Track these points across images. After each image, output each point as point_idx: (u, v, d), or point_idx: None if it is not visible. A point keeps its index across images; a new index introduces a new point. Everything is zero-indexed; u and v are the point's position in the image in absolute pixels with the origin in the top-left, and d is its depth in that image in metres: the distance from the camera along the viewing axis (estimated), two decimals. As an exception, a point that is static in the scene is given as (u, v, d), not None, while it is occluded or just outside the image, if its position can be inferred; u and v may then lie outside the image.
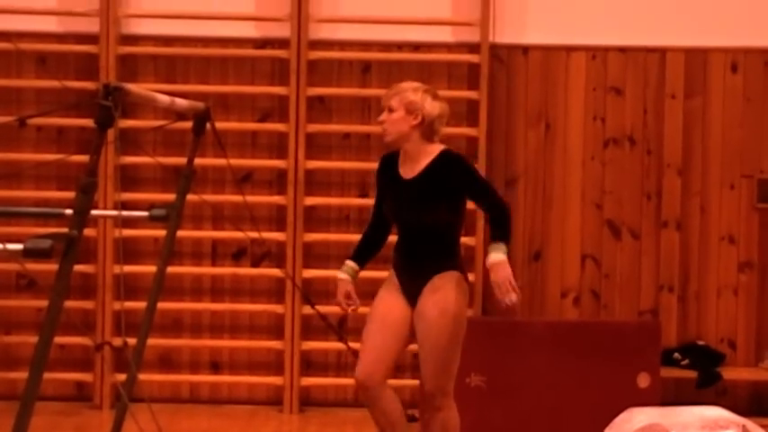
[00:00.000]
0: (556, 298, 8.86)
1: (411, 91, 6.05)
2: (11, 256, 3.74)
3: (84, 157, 7.97)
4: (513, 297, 5.85)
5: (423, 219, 5.98)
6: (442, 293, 5.96)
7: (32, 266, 5.18)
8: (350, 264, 6.38)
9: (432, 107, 6.04)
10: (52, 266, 3.93)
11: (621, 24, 8.77)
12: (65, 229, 3.92)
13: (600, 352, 8.13)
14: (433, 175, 6.01)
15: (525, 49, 8.82)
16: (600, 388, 8.04)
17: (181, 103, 5.19)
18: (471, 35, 8.72)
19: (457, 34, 8.81)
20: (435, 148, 6.09)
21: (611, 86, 8.82)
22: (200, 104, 5.72)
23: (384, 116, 6.10)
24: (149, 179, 8.67)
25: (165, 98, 4.86)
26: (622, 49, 8.80)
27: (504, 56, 8.80)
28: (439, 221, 5.99)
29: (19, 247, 3.80)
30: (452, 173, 5.99)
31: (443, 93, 8.62)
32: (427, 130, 6.06)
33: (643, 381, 8.12)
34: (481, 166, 8.63)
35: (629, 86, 8.82)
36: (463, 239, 8.62)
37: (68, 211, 6.45)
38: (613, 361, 8.10)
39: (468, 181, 6.02)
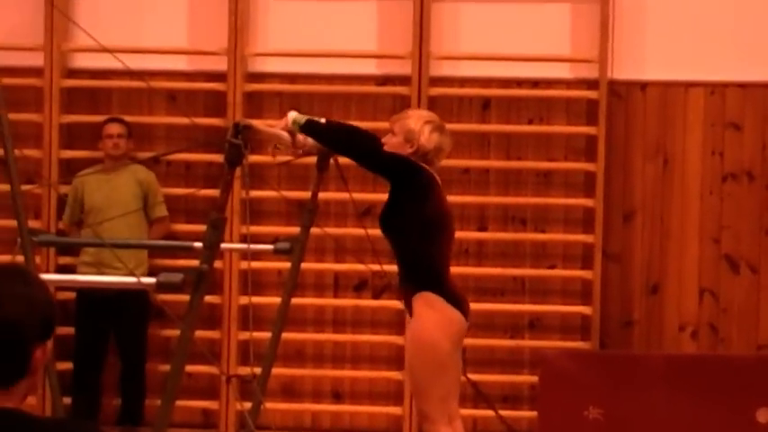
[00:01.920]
0: (674, 331, 8.78)
1: (414, 119, 5.87)
2: (145, 288, 3.83)
3: (211, 191, 8.13)
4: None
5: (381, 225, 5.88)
6: (415, 320, 5.71)
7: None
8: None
9: (428, 140, 5.80)
10: (182, 296, 4.00)
11: (740, 60, 8.70)
12: (192, 260, 4.00)
13: (718, 386, 8.04)
14: None
15: (643, 85, 8.77)
16: (718, 423, 7.96)
17: (306, 140, 5.26)
18: (590, 71, 8.71)
19: (575, 71, 8.80)
20: None
21: (729, 122, 8.74)
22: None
23: (386, 138, 5.90)
24: (274, 212, 8.76)
25: (285, 135, 4.93)
26: (741, 85, 8.72)
27: (622, 92, 8.77)
28: (388, 226, 5.82)
29: (152, 280, 3.88)
30: None
31: (562, 128, 8.74)
32: (421, 160, 5.80)
33: (763, 416, 8.02)
34: (599, 200, 8.61)
35: (748, 122, 8.73)
36: (580, 272, 8.64)
37: (197, 244, 6.56)
38: (732, 395, 8.01)
39: None
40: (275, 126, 5.57)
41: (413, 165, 5.69)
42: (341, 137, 5.71)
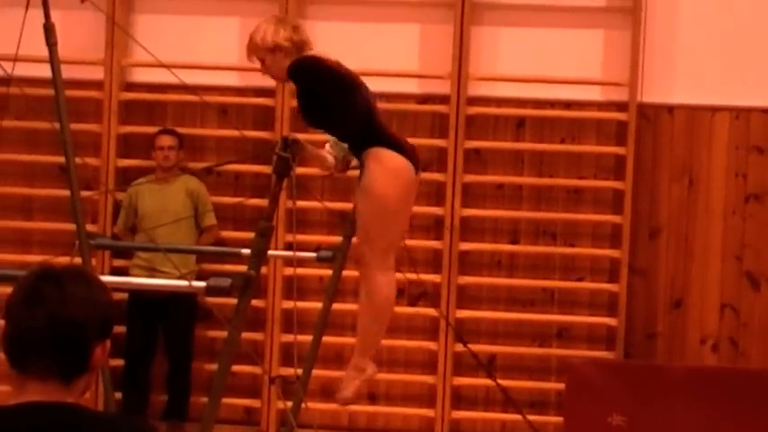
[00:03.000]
0: (695, 344, 8.77)
1: (258, 37, 5.50)
2: (195, 292, 3.88)
3: (258, 201, 8.19)
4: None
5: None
6: (366, 174, 5.45)
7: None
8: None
9: (278, 35, 5.47)
10: (229, 300, 4.05)
11: (764, 86, 8.69)
12: (239, 266, 4.05)
13: (737, 398, 8.04)
14: None
15: (671, 109, 8.78)
16: (736, 432, 7.95)
17: (348, 158, 5.31)
18: (620, 94, 8.72)
19: (606, 93, 8.82)
20: None
21: (753, 145, 8.73)
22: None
23: (261, 69, 5.62)
24: (317, 222, 8.80)
25: (331, 159, 4.99)
26: (765, 110, 8.71)
27: (650, 114, 8.77)
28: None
29: (202, 284, 3.93)
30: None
31: (592, 148, 8.76)
32: (298, 52, 5.51)
33: (779, 426, 8.01)
34: (626, 217, 8.62)
35: (771, 145, 8.73)
36: (607, 286, 8.65)
37: (245, 251, 6.62)
38: (751, 407, 8.00)
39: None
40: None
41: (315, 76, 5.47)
42: None
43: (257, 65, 5.55)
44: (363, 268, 5.59)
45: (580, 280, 8.84)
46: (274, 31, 5.44)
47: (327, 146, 5.43)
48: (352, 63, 8.74)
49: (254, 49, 5.48)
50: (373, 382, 8.89)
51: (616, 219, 8.70)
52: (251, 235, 8.15)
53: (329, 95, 5.39)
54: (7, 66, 6.33)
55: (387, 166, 5.41)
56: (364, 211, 5.47)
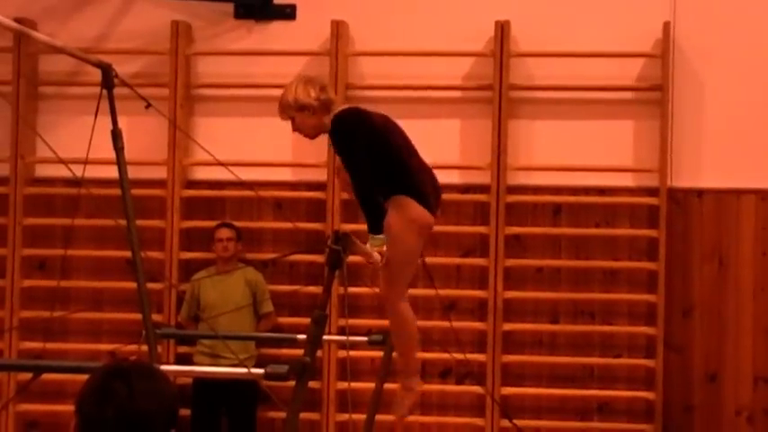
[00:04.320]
0: (730, 416, 8.68)
1: (289, 96, 5.52)
2: (254, 378, 3.89)
3: (312, 288, 8.21)
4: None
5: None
6: (387, 220, 5.48)
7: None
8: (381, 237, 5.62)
9: (308, 94, 5.49)
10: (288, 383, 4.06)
11: (787, 169, 8.69)
12: (296, 350, 4.05)
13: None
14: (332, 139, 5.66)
15: (700, 193, 8.77)
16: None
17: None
18: (651, 180, 8.73)
19: (638, 179, 8.82)
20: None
21: (778, 225, 8.70)
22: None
23: (293, 128, 5.63)
24: (367, 307, 8.80)
25: (377, 256, 5.03)
26: (788, 192, 8.70)
27: (680, 198, 8.76)
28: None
29: (261, 371, 3.95)
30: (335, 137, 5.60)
31: (626, 231, 8.75)
32: (326, 111, 5.53)
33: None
34: (660, 296, 8.59)
35: (796, 225, 8.69)
36: (644, 361, 8.58)
37: (300, 337, 6.64)
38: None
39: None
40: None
41: (353, 138, 5.48)
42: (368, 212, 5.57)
43: (289, 123, 5.59)
44: (390, 305, 5.66)
45: (618, 357, 8.79)
46: (303, 91, 5.49)
47: (369, 244, 5.47)
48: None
49: (284, 108, 5.54)
50: (424, 457, 8.87)
51: (651, 298, 8.66)
52: (306, 320, 8.19)
53: (362, 148, 5.44)
54: (78, 168, 6.42)
55: (407, 216, 5.48)
56: (394, 258, 5.51)
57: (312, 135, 5.64)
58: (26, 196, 9.15)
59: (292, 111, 5.51)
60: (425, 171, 5.71)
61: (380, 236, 5.53)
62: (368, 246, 5.49)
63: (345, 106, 5.67)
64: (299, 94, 5.48)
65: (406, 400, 5.71)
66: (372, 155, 5.46)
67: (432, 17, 8.94)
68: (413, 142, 5.81)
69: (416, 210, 5.51)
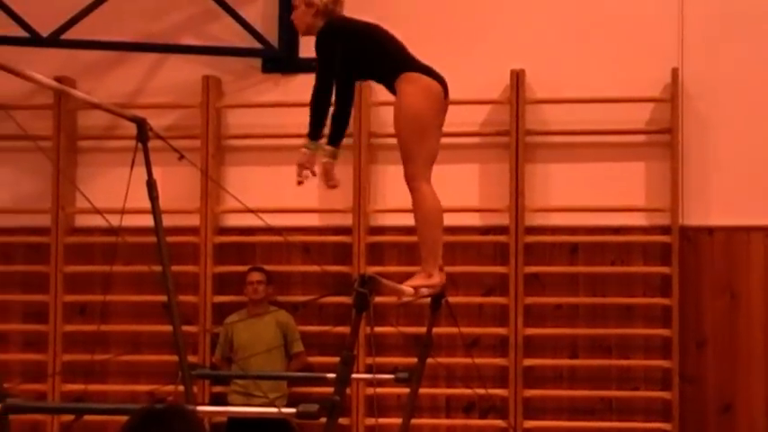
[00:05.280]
0: (745, 445, 8.59)
1: None
2: (286, 417, 3.86)
3: (340, 328, 8.18)
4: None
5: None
6: (399, 96, 5.41)
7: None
8: (330, 148, 5.67)
9: None
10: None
11: (795, 206, 8.64)
12: (326, 387, 4.02)
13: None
14: None
15: (710, 230, 8.72)
16: None
17: (421, 289, 5.30)
18: (663, 219, 8.69)
19: (650, 219, 8.78)
20: None
21: (787, 260, 8.64)
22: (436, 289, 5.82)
23: (294, 14, 5.65)
24: (393, 345, 8.76)
25: (408, 290, 4.98)
26: (796, 228, 8.64)
27: (692, 236, 8.71)
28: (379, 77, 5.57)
29: (292, 410, 3.92)
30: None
31: (640, 269, 8.70)
32: (327, 15, 5.53)
33: None
34: (675, 331, 8.53)
35: (804, 260, 8.63)
36: (660, 394, 8.51)
37: (330, 375, 6.61)
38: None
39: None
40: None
41: (321, 45, 5.47)
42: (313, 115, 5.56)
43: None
44: (411, 183, 5.49)
45: (635, 389, 8.72)
46: None
47: (305, 148, 5.46)
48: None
49: None
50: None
51: (665, 332, 8.60)
52: (335, 359, 8.16)
53: (354, 48, 5.43)
54: (116, 218, 6.43)
55: (418, 86, 5.39)
56: (404, 129, 5.39)
57: (303, 31, 5.65)
58: (67, 245, 9.17)
59: (302, 2, 5.54)
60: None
61: (328, 147, 5.52)
62: (303, 150, 5.46)
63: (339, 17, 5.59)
64: None
65: (418, 279, 5.36)
66: (365, 50, 5.45)
67: (449, 67, 8.81)
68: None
69: (428, 80, 5.43)
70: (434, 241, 5.48)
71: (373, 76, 5.61)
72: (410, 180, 5.47)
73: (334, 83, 5.48)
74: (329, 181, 5.72)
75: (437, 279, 5.43)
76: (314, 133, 5.53)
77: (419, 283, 5.31)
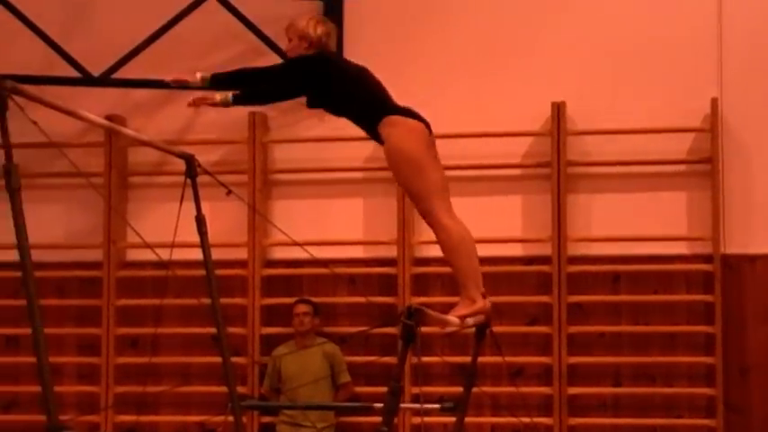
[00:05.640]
0: (790, 471, 8.46)
1: (301, 21, 5.62)
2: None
3: (387, 359, 8.15)
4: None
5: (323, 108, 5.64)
6: (385, 141, 5.38)
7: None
8: (229, 96, 5.57)
9: (315, 30, 5.55)
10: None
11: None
12: (372, 417, 3.99)
13: None
14: None
15: (752, 258, 8.62)
16: None
17: (467, 319, 5.27)
18: (705, 248, 8.61)
19: (692, 247, 8.70)
20: None
21: (829, 287, 8.53)
22: (481, 317, 5.79)
23: (287, 46, 5.67)
24: (438, 375, 8.72)
25: (455, 320, 4.95)
26: (838, 255, 8.54)
27: (733, 264, 8.62)
28: (326, 106, 5.57)
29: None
30: None
31: (683, 297, 8.62)
32: (314, 45, 5.55)
33: None
34: (718, 358, 8.43)
35: None
36: (705, 421, 8.41)
37: (377, 405, 6.58)
38: None
39: None
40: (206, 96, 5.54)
41: (305, 57, 5.50)
42: (245, 89, 5.54)
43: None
44: (427, 219, 5.47)
45: (679, 417, 8.62)
46: (314, 26, 5.55)
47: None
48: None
49: (290, 28, 5.60)
50: None
51: (709, 360, 8.51)
52: (381, 389, 8.15)
53: (347, 82, 5.44)
54: (166, 252, 6.45)
55: (402, 128, 5.35)
56: (400, 172, 5.38)
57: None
58: (118, 279, 9.22)
59: (293, 33, 5.58)
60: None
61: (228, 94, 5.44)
62: (197, 77, 5.48)
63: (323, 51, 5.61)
64: (309, 26, 5.56)
65: (463, 308, 5.28)
66: (349, 89, 5.44)
67: (491, 101, 8.94)
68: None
69: (410, 121, 5.38)
70: (470, 269, 5.42)
71: (351, 116, 5.56)
72: (426, 217, 5.45)
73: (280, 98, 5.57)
74: (198, 105, 5.61)
75: (480, 304, 5.37)
76: (222, 81, 5.54)
77: (464, 312, 5.26)
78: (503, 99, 8.92)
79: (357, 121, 5.53)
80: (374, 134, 5.44)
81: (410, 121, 5.39)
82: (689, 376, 8.64)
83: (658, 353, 8.66)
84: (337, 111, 5.58)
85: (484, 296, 5.36)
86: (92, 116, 5.35)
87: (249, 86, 5.54)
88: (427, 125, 5.45)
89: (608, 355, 8.71)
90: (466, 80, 9.00)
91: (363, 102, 5.45)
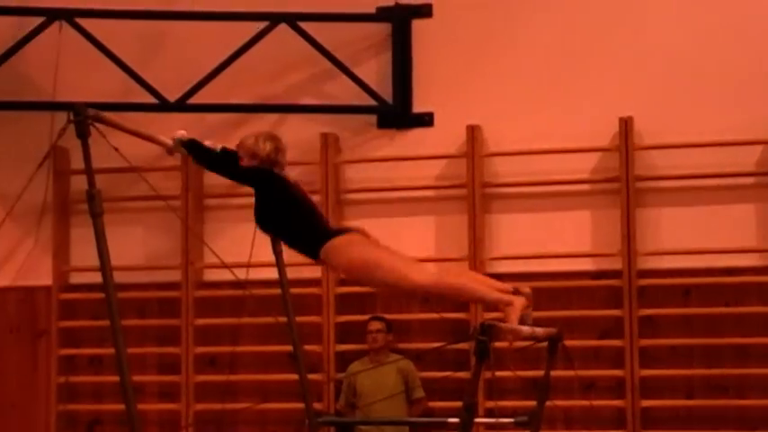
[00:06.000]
0: None
1: (249, 139, 5.76)
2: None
3: (460, 374, 8.12)
4: None
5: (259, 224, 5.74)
6: (335, 263, 5.44)
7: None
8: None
9: (264, 148, 5.69)
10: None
11: None
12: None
13: None
14: None
15: (824, 269, 8.49)
16: None
17: (539, 330, 5.24)
18: (776, 259, 8.50)
19: (763, 259, 8.57)
20: None
21: None
22: (554, 330, 5.75)
23: (241, 162, 5.77)
24: (511, 389, 8.64)
25: (527, 329, 4.92)
26: None
27: (806, 275, 8.50)
28: (265, 222, 5.67)
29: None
30: None
31: (754, 309, 8.48)
32: (269, 165, 5.69)
33: None
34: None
35: None
36: None
37: (451, 420, 6.55)
38: None
39: None
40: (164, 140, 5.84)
41: (262, 170, 5.64)
42: (210, 162, 5.79)
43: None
44: (417, 291, 5.56)
45: (754, 429, 8.47)
46: (262, 145, 5.69)
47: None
48: (533, 248, 8.76)
49: (243, 148, 5.72)
50: None
51: (782, 371, 8.38)
52: (455, 404, 8.10)
53: (288, 203, 5.56)
54: (242, 272, 6.49)
55: (342, 247, 5.35)
56: (365, 280, 5.46)
57: None
58: (196, 299, 9.28)
59: (244, 152, 5.70)
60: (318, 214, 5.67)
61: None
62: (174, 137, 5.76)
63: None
64: (258, 145, 5.69)
65: (511, 314, 5.14)
66: (289, 209, 5.56)
67: (559, 117, 8.90)
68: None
69: (344, 237, 5.39)
70: (481, 285, 5.38)
71: (288, 236, 5.63)
72: (414, 291, 5.50)
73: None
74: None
75: (518, 300, 5.23)
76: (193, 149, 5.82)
77: (514, 317, 5.14)
78: (571, 115, 8.86)
79: (292, 243, 5.59)
80: (311, 255, 5.49)
81: (344, 237, 5.42)
82: (763, 388, 8.50)
83: (731, 365, 8.53)
84: (276, 229, 5.65)
85: (515, 290, 5.29)
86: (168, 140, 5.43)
87: (209, 163, 5.80)
88: (358, 230, 5.55)
89: (680, 368, 8.60)
90: (534, 98, 8.96)
91: (301, 225, 5.50)
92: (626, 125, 8.69)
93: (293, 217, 5.55)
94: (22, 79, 9.48)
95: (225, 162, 5.75)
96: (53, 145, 6.07)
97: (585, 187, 8.87)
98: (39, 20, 9.10)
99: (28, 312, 9.60)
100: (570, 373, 7.69)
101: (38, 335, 9.58)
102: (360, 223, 9.06)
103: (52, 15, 9.07)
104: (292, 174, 9.16)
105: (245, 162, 5.73)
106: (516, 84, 9.00)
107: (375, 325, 8.74)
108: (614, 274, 8.70)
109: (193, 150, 5.83)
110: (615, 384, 8.68)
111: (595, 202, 8.84)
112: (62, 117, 5.00)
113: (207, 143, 5.87)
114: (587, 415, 8.13)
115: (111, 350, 4.32)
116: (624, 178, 8.65)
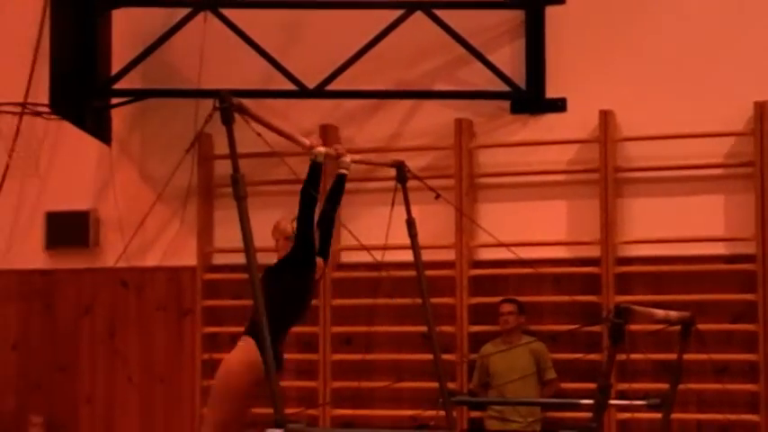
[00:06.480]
0: None
1: (281, 223, 6.17)
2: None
3: (592, 356, 8.02)
4: None
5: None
6: (230, 355, 5.91)
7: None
8: None
9: (293, 227, 6.05)
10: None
11: None
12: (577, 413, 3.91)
13: None
14: None
15: None
16: None
17: (672, 314, 5.14)
18: None
19: None
20: None
21: None
22: (686, 314, 5.64)
23: (278, 246, 6.16)
24: (642, 371, 8.50)
25: (660, 312, 4.83)
26: None
27: None
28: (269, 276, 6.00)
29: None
30: None
31: None
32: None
33: None
34: None
35: None
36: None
37: (583, 401, 6.49)
38: None
39: None
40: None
41: (312, 250, 5.99)
42: (311, 196, 6.02)
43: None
44: (204, 428, 5.95)
45: None
46: (291, 226, 6.08)
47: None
48: (665, 232, 8.58)
49: (276, 231, 6.15)
50: None
51: None
52: (586, 385, 8.02)
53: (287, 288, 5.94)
54: (378, 254, 6.51)
55: (248, 358, 5.69)
56: (216, 384, 5.90)
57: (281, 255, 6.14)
58: (333, 279, 9.35)
59: (279, 235, 6.14)
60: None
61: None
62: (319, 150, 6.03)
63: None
64: (291, 227, 6.07)
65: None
66: (289, 294, 5.97)
67: (691, 101, 8.71)
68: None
69: (253, 356, 5.61)
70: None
71: (264, 303, 5.75)
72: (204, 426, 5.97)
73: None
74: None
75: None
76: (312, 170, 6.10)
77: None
78: (704, 100, 8.66)
79: (256, 312, 5.58)
80: (251, 332, 5.81)
81: (253, 355, 5.62)
82: None
83: None
84: (269, 289, 5.66)
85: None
86: (291, 132, 5.58)
87: (307, 206, 6.01)
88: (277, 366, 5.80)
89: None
90: (667, 82, 8.78)
91: (277, 312, 5.57)
92: (762, 109, 8.45)
93: (285, 301, 5.83)
94: (170, 68, 9.67)
95: (315, 203, 5.99)
96: (200, 131, 6.18)
97: (718, 171, 8.66)
98: (185, 11, 9.27)
99: (174, 291, 9.80)
100: (702, 356, 7.52)
101: (183, 313, 9.77)
102: (493, 207, 9.05)
103: (198, 6, 9.24)
104: (427, 159, 9.25)
105: (281, 244, 6.10)
106: (649, 68, 8.83)
107: (507, 307, 8.69)
108: (748, 258, 8.48)
109: (312, 173, 6.03)
110: (748, 368, 8.47)
111: (729, 186, 8.62)
112: (207, 104, 5.08)
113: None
114: (720, 398, 7.95)
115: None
116: (759, 163, 8.42)
